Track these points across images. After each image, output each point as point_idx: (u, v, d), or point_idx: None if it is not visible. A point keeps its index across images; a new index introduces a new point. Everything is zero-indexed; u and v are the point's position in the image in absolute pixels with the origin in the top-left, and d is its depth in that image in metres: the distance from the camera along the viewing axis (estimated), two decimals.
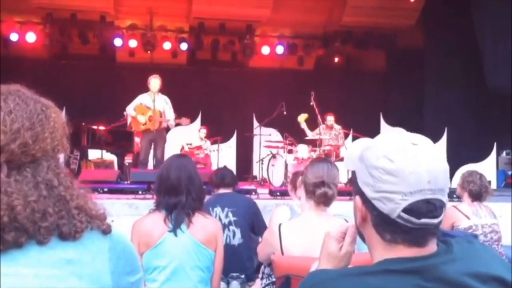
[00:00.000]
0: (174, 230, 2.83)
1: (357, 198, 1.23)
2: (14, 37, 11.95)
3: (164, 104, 8.33)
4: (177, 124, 8.61)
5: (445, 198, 1.16)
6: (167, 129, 8.67)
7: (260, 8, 11.91)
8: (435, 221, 1.15)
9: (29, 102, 1.14)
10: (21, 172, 1.09)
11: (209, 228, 2.94)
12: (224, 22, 12.46)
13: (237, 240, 3.97)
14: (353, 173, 1.27)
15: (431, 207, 1.14)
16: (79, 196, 1.16)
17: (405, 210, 1.13)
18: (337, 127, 9.86)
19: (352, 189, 1.28)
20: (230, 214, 3.95)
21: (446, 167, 1.18)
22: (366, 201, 1.20)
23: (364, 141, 1.32)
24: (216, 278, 3.01)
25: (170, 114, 8.33)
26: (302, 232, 2.72)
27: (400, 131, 1.23)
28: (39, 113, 1.14)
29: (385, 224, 1.17)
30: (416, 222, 1.13)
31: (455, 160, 10.32)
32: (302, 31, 13.08)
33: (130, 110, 8.34)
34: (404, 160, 1.14)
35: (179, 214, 2.86)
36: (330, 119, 9.79)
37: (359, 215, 1.23)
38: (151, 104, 8.14)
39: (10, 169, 1.08)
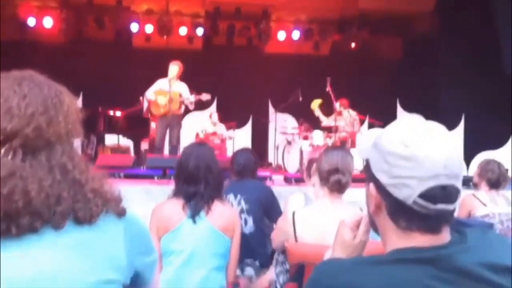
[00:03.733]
0: (192, 216, 2.88)
1: (371, 185, 1.22)
2: (31, 21, 11.97)
3: (181, 88, 8.46)
4: (198, 101, 8.66)
5: (459, 185, 1.16)
6: (183, 115, 8.74)
7: None
8: (451, 207, 1.15)
9: (43, 86, 1.15)
10: (36, 157, 1.10)
11: (227, 215, 2.98)
12: (240, 6, 12.42)
13: (248, 228, 3.93)
14: (367, 161, 1.27)
15: (447, 193, 1.14)
16: (94, 180, 1.17)
17: (421, 196, 1.13)
18: (353, 113, 9.74)
19: (366, 177, 1.28)
20: (242, 202, 3.93)
21: (460, 153, 1.18)
22: (380, 188, 1.19)
23: (377, 130, 1.32)
24: (232, 265, 3.06)
25: (188, 97, 8.45)
26: (316, 219, 2.73)
27: (417, 117, 1.22)
28: (53, 98, 1.15)
29: (400, 211, 1.17)
30: (432, 208, 1.13)
31: (472, 147, 10.23)
32: (318, 16, 12.97)
33: (149, 94, 8.43)
34: (419, 145, 1.14)
35: (197, 202, 2.90)
36: (338, 105, 9.57)
37: (373, 203, 1.23)
38: (168, 88, 8.23)
39: (25, 154, 1.08)
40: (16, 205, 1.03)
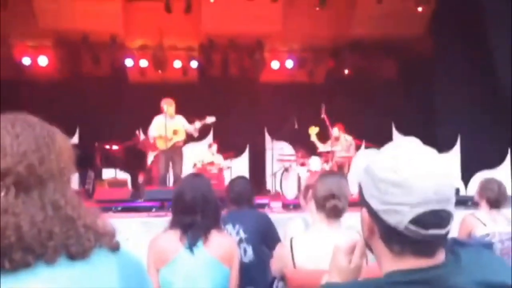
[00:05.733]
0: (190, 247, 2.86)
1: (364, 210, 1.23)
2: (26, 61, 12.12)
3: (181, 119, 8.69)
4: (204, 126, 8.86)
5: (451, 208, 1.17)
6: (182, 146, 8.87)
7: (269, 23, 11.98)
8: (443, 231, 1.15)
9: (36, 127, 1.18)
10: (28, 194, 1.12)
11: (225, 245, 2.97)
12: (233, 38, 12.56)
13: (248, 257, 3.91)
14: (359, 185, 1.28)
15: (438, 218, 1.14)
16: (86, 215, 1.18)
17: (412, 222, 1.13)
18: (349, 138, 9.80)
19: (359, 202, 1.29)
20: (241, 231, 3.91)
21: (451, 178, 1.18)
22: (372, 213, 1.20)
23: (370, 154, 1.33)
24: None
25: (190, 126, 8.68)
26: (314, 245, 2.72)
27: (412, 140, 1.23)
28: (45, 137, 1.18)
29: (392, 236, 1.17)
30: (423, 234, 1.13)
31: (469, 167, 10.23)
32: (311, 44, 13.11)
33: (153, 131, 8.57)
34: (409, 172, 1.14)
35: (195, 232, 2.89)
36: (335, 131, 9.74)
37: (366, 228, 1.24)
38: (169, 123, 8.46)
39: (18, 191, 1.10)
40: (8, 240, 1.05)
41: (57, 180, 1.17)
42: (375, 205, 1.19)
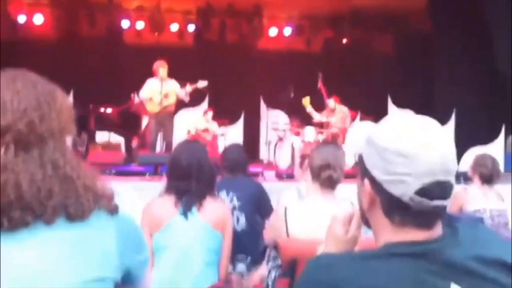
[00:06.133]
0: (184, 213, 2.88)
1: (366, 181, 1.21)
2: (21, 19, 11.93)
3: (173, 83, 8.57)
4: (195, 90, 8.71)
5: (453, 180, 1.16)
6: (175, 111, 8.77)
7: None
8: (445, 203, 1.15)
9: (37, 84, 1.17)
10: (28, 152, 1.11)
11: (218, 212, 2.98)
12: (232, 3, 12.41)
13: (241, 225, 3.91)
14: (360, 156, 1.25)
15: (443, 189, 1.13)
16: (86, 176, 1.17)
17: (417, 192, 1.12)
18: (345, 109, 9.77)
19: (358, 172, 1.27)
20: (234, 199, 3.91)
21: (454, 149, 1.17)
22: (375, 184, 1.18)
23: (367, 124, 1.31)
24: (224, 261, 3.06)
25: (181, 90, 8.55)
26: (308, 215, 2.73)
27: (408, 113, 1.21)
28: (46, 95, 1.16)
29: (395, 207, 1.16)
30: (428, 204, 1.12)
31: (463, 143, 10.26)
32: (310, 12, 12.98)
33: (144, 94, 8.48)
34: (416, 142, 1.13)
35: (189, 198, 2.90)
36: (331, 102, 9.69)
37: (367, 199, 1.22)
38: (161, 86, 8.36)
39: (17, 149, 1.09)
40: (8, 198, 1.05)
41: (57, 139, 1.16)
42: (378, 175, 1.17)
